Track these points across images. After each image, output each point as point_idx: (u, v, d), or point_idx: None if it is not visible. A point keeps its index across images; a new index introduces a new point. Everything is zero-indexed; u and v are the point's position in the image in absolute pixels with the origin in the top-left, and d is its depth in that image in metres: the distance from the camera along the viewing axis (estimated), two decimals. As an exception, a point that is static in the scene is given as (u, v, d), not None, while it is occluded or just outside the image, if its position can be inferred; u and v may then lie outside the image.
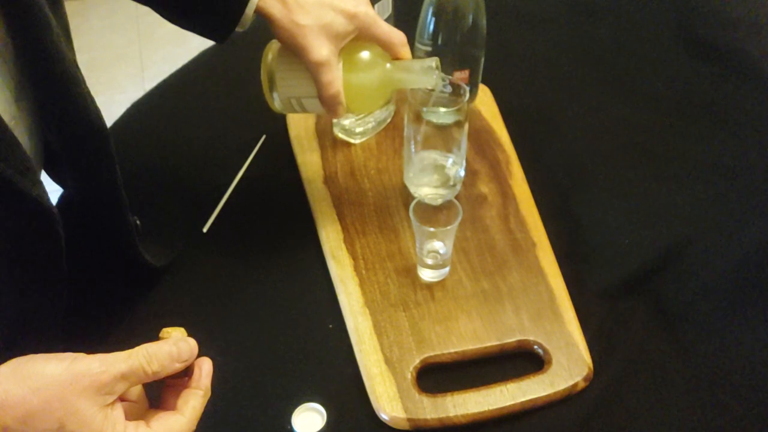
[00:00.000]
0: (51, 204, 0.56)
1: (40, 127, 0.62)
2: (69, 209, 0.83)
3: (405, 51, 0.71)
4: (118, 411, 0.48)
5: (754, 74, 1.01)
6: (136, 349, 0.50)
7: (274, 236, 0.82)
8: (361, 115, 0.89)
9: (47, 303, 0.63)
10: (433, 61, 0.70)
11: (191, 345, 0.53)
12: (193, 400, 0.52)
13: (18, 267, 0.57)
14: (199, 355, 0.55)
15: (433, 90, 0.72)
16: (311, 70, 0.68)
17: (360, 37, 0.70)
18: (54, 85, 0.58)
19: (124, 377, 0.48)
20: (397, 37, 0.71)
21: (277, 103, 0.74)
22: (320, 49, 0.67)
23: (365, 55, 0.70)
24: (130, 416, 0.50)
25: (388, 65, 0.71)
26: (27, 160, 0.54)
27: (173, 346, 0.51)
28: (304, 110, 0.74)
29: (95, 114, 0.61)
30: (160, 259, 0.77)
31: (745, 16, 1.11)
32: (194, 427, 0.52)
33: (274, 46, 0.73)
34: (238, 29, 0.71)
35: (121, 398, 0.50)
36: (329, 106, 0.70)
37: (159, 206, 0.86)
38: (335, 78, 0.68)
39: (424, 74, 0.70)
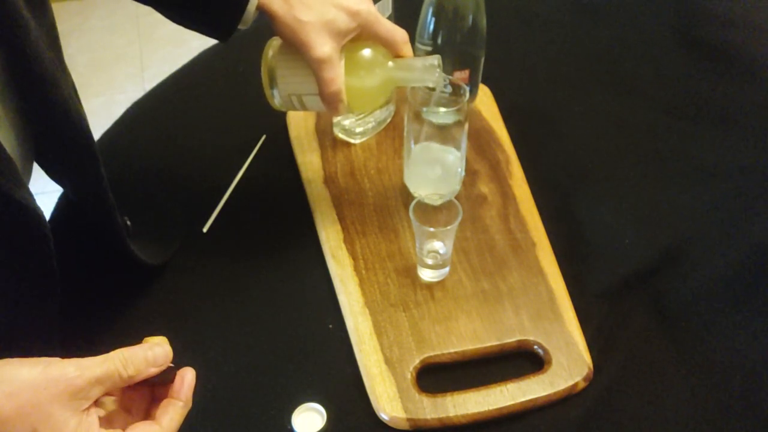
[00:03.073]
0: (36, 206, 0.55)
1: (29, 126, 0.62)
2: (67, 208, 0.83)
3: (407, 49, 0.71)
4: (93, 417, 0.48)
5: (754, 74, 1.01)
6: (112, 353, 0.49)
7: (274, 236, 0.82)
8: (361, 115, 0.89)
9: (40, 305, 0.63)
10: (435, 59, 0.70)
11: (166, 350, 0.53)
12: (172, 411, 0.52)
13: (7, 269, 0.57)
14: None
15: (434, 89, 0.72)
16: (313, 66, 0.68)
17: (362, 35, 0.70)
18: (33, 86, 0.57)
19: (99, 382, 0.48)
20: (399, 34, 0.70)
21: (277, 100, 0.74)
22: (322, 46, 0.66)
23: (366, 53, 0.70)
24: (108, 425, 0.50)
25: (389, 63, 0.71)
26: (11, 163, 0.53)
27: (148, 350, 0.51)
28: (304, 108, 0.74)
29: (77, 116, 0.61)
30: (157, 257, 0.76)
31: (745, 16, 1.11)
32: None
33: (274, 42, 0.73)
34: (241, 27, 0.71)
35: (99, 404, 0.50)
36: (330, 103, 0.69)
37: (158, 206, 0.86)
38: (337, 75, 0.68)
39: (426, 72, 0.70)
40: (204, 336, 0.73)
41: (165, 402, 0.52)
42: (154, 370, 0.51)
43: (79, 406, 0.47)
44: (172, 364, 0.53)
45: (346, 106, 0.70)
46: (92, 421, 0.48)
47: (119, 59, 2.40)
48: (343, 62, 0.69)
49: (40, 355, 0.48)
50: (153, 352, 0.51)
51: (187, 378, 0.53)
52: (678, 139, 0.92)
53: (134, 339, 0.52)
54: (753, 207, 0.84)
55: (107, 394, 0.51)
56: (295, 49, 0.68)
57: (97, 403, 0.49)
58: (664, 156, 0.90)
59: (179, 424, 0.52)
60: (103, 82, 2.28)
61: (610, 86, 1.00)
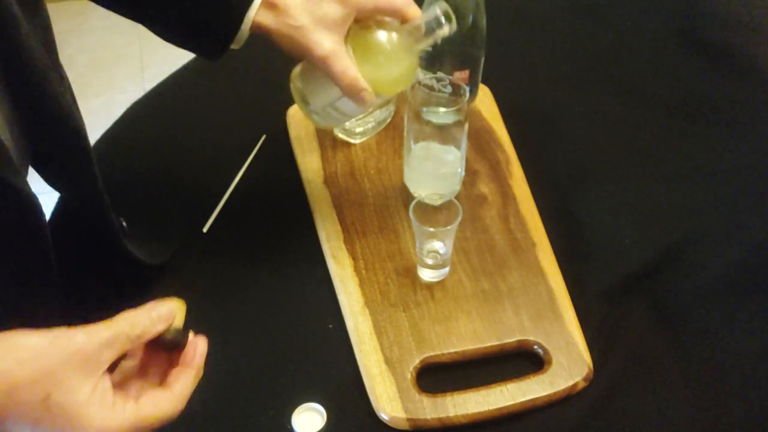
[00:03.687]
0: (32, 192, 0.55)
1: (24, 125, 0.62)
2: (67, 208, 0.83)
3: (413, 10, 0.67)
4: (107, 383, 0.48)
5: (754, 74, 1.01)
6: (117, 316, 0.50)
7: (274, 236, 0.82)
8: (361, 115, 0.89)
9: (40, 302, 0.63)
10: (438, 8, 0.66)
11: (169, 306, 0.53)
12: (184, 378, 0.52)
13: (5, 269, 0.57)
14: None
15: (440, 74, 0.70)
16: (321, 67, 0.66)
17: (362, 15, 0.67)
18: (23, 84, 0.57)
19: (108, 344, 0.48)
20: (399, 0, 0.67)
21: (317, 119, 0.73)
22: (322, 43, 0.65)
23: (371, 34, 0.68)
24: (123, 391, 0.50)
25: (394, 36, 0.68)
26: (6, 151, 0.53)
27: (152, 310, 0.51)
28: (343, 115, 0.72)
29: (69, 115, 0.61)
30: (156, 257, 0.76)
31: (745, 16, 1.11)
32: (183, 405, 0.51)
33: (299, 67, 0.72)
34: (234, 47, 0.71)
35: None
36: (354, 95, 0.67)
37: (158, 206, 0.86)
38: (346, 66, 0.66)
39: (434, 26, 0.67)
40: (203, 336, 0.73)
41: (177, 369, 0.52)
42: (161, 327, 0.51)
43: (92, 371, 0.47)
44: (187, 329, 0.53)
45: (372, 94, 0.67)
46: (106, 387, 0.48)
47: (119, 59, 2.40)
48: (350, 51, 0.67)
49: None
50: (157, 311, 0.51)
51: (199, 346, 0.53)
52: (678, 139, 0.92)
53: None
54: (753, 207, 0.84)
55: (126, 356, 0.52)
56: (303, 57, 0.68)
57: (116, 366, 0.49)
58: (664, 156, 0.90)
59: (190, 391, 0.52)
60: (103, 82, 2.28)
61: (610, 86, 1.00)
